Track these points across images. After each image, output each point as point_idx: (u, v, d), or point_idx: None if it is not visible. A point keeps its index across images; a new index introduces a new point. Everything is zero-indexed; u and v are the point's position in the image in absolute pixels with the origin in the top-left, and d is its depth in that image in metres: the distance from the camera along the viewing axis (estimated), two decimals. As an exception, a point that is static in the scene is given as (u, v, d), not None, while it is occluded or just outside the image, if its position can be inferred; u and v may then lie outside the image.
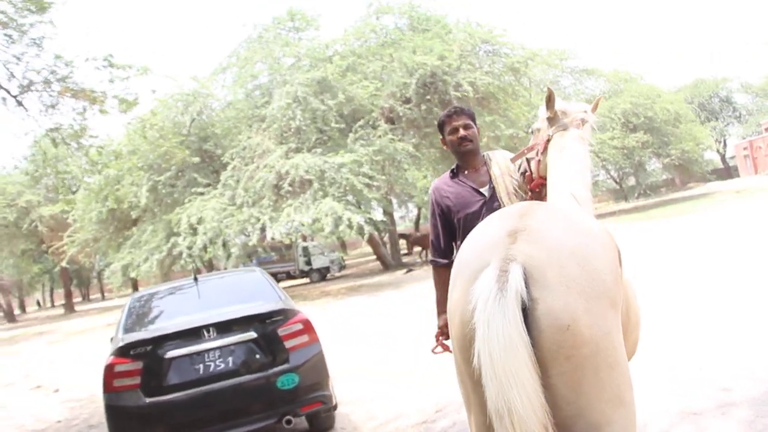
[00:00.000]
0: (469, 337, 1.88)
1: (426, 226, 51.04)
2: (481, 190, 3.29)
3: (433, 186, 3.46)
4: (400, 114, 19.86)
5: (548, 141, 2.99)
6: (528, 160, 3.12)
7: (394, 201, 31.93)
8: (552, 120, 3.02)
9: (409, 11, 22.57)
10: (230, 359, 4.55)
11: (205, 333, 4.54)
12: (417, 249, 30.00)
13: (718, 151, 56.79)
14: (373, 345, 9.07)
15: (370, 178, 17.93)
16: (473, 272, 1.94)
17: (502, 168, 3.34)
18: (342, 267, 31.02)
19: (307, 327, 4.83)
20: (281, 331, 4.67)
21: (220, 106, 23.11)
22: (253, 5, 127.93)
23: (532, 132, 3.22)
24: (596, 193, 63.52)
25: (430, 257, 3.44)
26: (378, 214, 21.76)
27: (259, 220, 17.91)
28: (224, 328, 4.60)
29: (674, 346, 5.58)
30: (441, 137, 3.48)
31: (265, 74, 22.60)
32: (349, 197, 18.84)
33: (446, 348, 3.20)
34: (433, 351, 3.29)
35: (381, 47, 21.09)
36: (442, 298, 3.17)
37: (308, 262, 28.95)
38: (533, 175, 3.09)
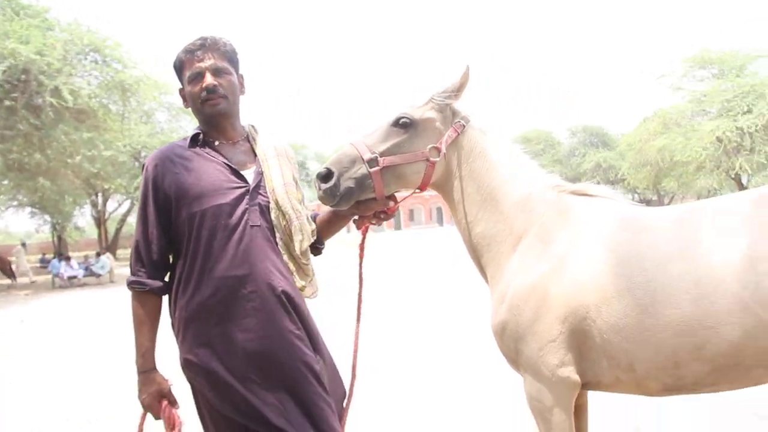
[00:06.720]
0: None
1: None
2: (243, 172, 2.15)
3: (154, 157, 2.13)
4: (-26, 108, 16.04)
5: (458, 134, 2.28)
6: (386, 168, 2.21)
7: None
8: (449, 108, 2.30)
9: (2, -8, 18.68)
10: None
11: None
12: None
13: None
14: None
15: None
16: None
17: (278, 147, 2.28)
18: None
19: None
20: None
21: None
22: None
23: (404, 123, 2.27)
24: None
25: (131, 276, 2.10)
26: None
27: None
28: None
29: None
30: (180, 88, 2.24)
31: None
32: None
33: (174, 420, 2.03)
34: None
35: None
36: (150, 342, 2.07)
37: None
38: (405, 183, 2.28)
